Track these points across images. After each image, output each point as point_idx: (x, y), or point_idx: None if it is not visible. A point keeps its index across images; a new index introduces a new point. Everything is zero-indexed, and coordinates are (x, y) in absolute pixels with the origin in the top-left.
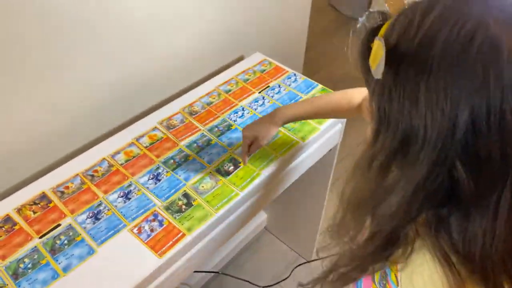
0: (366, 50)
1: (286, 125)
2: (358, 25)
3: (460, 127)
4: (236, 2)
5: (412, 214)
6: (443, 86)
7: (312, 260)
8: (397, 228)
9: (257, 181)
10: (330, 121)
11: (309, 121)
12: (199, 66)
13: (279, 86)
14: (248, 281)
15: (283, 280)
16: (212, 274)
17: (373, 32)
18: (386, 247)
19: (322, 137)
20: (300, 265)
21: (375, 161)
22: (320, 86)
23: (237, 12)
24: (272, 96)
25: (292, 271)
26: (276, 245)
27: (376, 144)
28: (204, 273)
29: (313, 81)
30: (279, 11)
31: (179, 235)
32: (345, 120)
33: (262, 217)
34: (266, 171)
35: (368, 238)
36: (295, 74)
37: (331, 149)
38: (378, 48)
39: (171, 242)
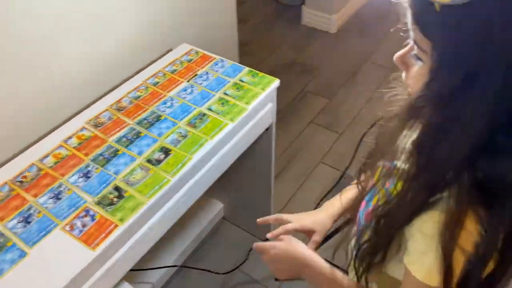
0: None
1: (214, 109)
2: None
3: None
4: None
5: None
6: None
7: (266, 240)
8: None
9: (189, 166)
10: (258, 100)
11: (237, 101)
12: (127, 64)
13: (207, 73)
14: (209, 270)
15: (242, 264)
16: (175, 269)
17: None
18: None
19: (254, 118)
20: None
21: (438, 97)
22: (247, 68)
23: (161, 6)
24: (201, 84)
25: (248, 253)
26: (235, 233)
27: (434, 82)
28: (165, 269)
29: (239, 64)
30: (203, 2)
31: (112, 226)
32: (275, 98)
33: (218, 207)
34: (198, 155)
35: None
36: (222, 60)
37: (267, 129)
38: None
39: (103, 234)
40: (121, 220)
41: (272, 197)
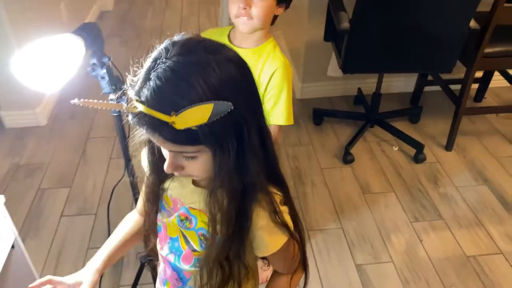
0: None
1: None
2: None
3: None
4: None
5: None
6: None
7: None
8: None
9: None
10: None
11: None
12: None
13: None
14: None
15: None
16: None
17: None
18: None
19: None
20: None
21: (230, 167)
22: None
23: None
24: None
25: None
26: None
27: (224, 161)
28: None
29: None
30: None
31: None
32: (7, 213)
33: None
34: None
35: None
36: None
37: (13, 247)
38: (200, 110)
39: None
40: None
41: None
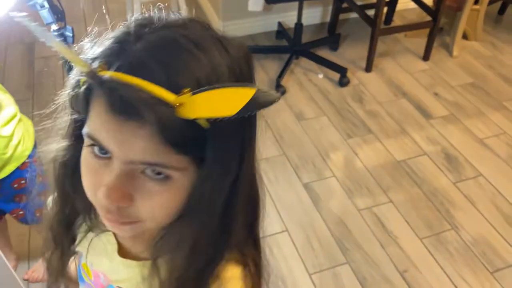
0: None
1: None
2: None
3: None
4: None
5: None
6: None
7: None
8: None
9: None
10: None
11: None
12: None
13: None
14: None
15: None
16: None
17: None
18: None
19: None
20: None
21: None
22: None
23: None
24: None
25: None
26: None
27: (210, 187)
28: None
29: None
30: None
31: None
32: None
33: None
34: None
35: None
36: None
37: None
38: (235, 94)
39: None
40: None
41: None
